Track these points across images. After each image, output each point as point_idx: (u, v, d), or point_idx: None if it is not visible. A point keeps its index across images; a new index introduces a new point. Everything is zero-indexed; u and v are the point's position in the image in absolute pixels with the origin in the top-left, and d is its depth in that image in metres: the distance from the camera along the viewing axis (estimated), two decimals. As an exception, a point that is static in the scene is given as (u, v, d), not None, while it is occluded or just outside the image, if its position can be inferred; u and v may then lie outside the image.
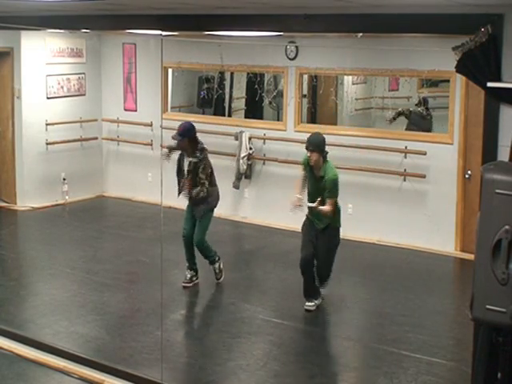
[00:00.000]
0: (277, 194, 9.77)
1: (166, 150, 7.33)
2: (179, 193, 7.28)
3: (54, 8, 6.02)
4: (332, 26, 5.05)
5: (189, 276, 7.41)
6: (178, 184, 7.28)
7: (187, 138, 7.08)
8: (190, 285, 7.39)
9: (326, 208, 6.51)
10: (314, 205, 6.45)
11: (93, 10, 6.10)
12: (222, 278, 7.50)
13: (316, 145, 6.49)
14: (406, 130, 9.54)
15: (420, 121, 9.60)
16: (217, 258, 7.47)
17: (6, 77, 10.42)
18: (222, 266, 7.51)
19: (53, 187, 10.66)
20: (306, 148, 6.54)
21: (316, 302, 6.84)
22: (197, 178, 7.10)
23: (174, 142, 7.22)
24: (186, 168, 7.19)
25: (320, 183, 6.55)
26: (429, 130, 9.51)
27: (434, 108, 9.83)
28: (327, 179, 6.51)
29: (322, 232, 6.69)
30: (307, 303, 6.79)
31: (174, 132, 7.15)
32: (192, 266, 7.43)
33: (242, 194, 10.13)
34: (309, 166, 6.62)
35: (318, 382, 5.50)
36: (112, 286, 7.42)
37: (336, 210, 6.68)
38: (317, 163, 6.50)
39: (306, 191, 6.72)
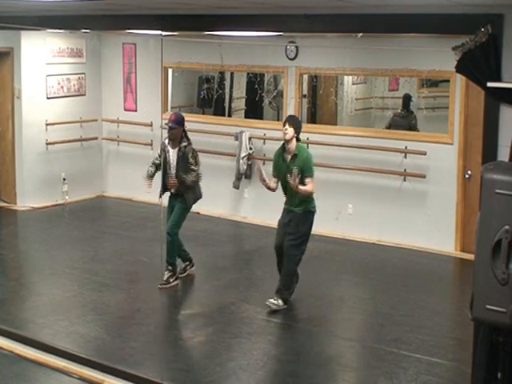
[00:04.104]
0: (277, 194, 9.75)
1: (150, 172, 7.41)
2: (164, 189, 7.32)
3: (53, 8, 6.03)
4: (332, 25, 5.05)
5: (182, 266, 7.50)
6: (163, 180, 7.32)
7: (182, 126, 7.26)
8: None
9: (308, 188, 6.56)
10: (292, 182, 6.45)
11: (93, 10, 6.11)
12: (164, 287, 7.26)
13: (293, 122, 6.74)
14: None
15: (400, 121, 9.71)
16: (171, 268, 7.36)
17: (6, 77, 10.43)
18: (172, 280, 7.33)
19: (53, 187, 10.66)
20: (284, 123, 6.73)
21: (276, 302, 6.71)
22: (187, 164, 7.19)
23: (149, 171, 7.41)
24: (173, 159, 7.27)
25: (293, 163, 6.61)
26: (410, 127, 9.56)
27: (435, 108, 9.84)
28: (302, 158, 6.62)
29: (297, 216, 6.70)
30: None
31: (168, 122, 7.30)
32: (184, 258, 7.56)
33: (242, 194, 10.13)
34: (281, 153, 6.74)
35: (317, 382, 5.50)
36: (112, 286, 7.42)
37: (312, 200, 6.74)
38: (291, 139, 6.64)
39: (280, 184, 6.82)
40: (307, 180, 6.57)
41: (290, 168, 6.57)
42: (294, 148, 6.64)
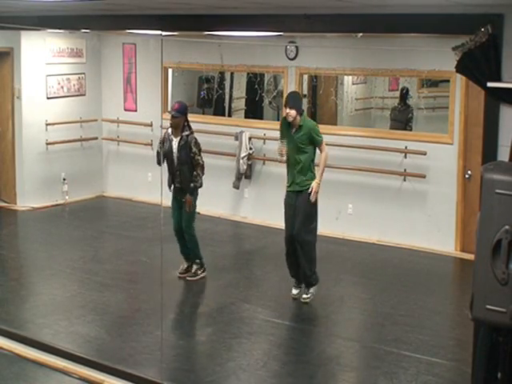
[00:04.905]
0: (277, 194, 9.75)
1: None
2: (171, 180, 7.36)
3: (53, 8, 6.03)
4: (332, 25, 5.06)
5: (185, 266, 7.58)
6: (170, 171, 7.35)
7: (184, 115, 7.29)
8: (186, 275, 7.56)
9: (324, 157, 6.84)
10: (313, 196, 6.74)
11: (93, 10, 6.11)
12: (193, 279, 7.52)
13: (295, 103, 6.84)
14: (390, 128, 9.73)
15: (397, 114, 9.97)
16: (199, 261, 7.56)
17: (6, 77, 10.42)
18: (200, 272, 7.56)
19: (53, 187, 10.66)
20: (285, 105, 6.88)
21: (309, 294, 6.92)
22: (190, 153, 7.21)
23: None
24: (176, 148, 7.28)
25: (298, 134, 6.79)
26: (407, 119, 9.77)
27: (435, 108, 9.85)
28: (307, 127, 6.78)
29: (302, 195, 6.81)
30: (293, 290, 7.02)
31: (171, 110, 7.36)
32: (188, 257, 7.60)
33: (242, 194, 10.13)
34: (285, 125, 6.88)
35: (317, 382, 5.50)
36: (112, 286, 7.42)
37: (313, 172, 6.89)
38: (295, 119, 6.78)
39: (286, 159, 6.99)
40: (320, 147, 6.82)
41: (295, 139, 6.77)
42: (298, 121, 6.79)
